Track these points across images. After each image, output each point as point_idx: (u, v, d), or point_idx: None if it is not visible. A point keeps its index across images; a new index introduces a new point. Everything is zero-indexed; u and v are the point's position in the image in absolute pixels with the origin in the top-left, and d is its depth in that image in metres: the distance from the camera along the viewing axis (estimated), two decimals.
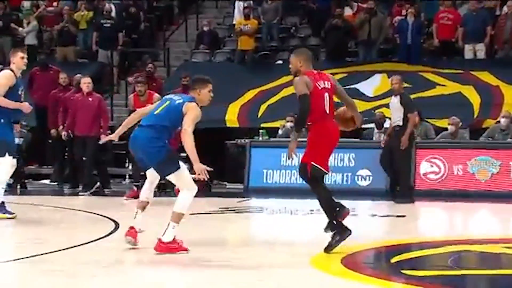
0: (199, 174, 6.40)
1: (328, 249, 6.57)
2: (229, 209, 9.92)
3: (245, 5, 16.61)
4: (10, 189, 12.26)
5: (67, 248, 6.62)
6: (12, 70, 8.82)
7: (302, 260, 6.30)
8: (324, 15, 16.29)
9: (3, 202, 8.73)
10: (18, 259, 6.25)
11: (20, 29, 16.87)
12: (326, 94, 6.77)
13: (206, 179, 6.51)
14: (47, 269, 5.87)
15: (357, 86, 14.73)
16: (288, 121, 13.17)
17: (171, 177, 6.61)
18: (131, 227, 6.74)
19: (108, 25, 16.34)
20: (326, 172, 6.77)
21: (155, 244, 6.47)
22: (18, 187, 12.65)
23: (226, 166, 13.49)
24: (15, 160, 8.82)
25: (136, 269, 6.20)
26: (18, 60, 8.84)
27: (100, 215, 9.11)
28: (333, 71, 15.24)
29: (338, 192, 11.48)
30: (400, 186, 11.27)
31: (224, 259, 6.34)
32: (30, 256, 6.23)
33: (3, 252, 6.66)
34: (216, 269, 6.00)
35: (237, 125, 14.48)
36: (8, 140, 8.69)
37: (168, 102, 6.77)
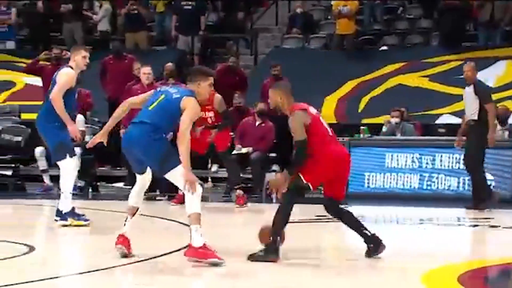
0: (185, 188, 6.43)
1: (251, 258, 6.74)
2: (326, 217, 9.92)
3: None
4: (81, 192, 12.69)
5: (144, 260, 6.79)
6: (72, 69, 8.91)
7: (411, 277, 6.26)
8: None
9: (73, 208, 9.02)
10: (105, 268, 6.42)
11: (94, 16, 17.33)
12: (321, 118, 7.14)
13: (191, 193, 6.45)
14: (138, 282, 6.05)
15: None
16: (393, 117, 13.07)
17: (171, 175, 6.62)
18: (121, 235, 6.83)
19: (189, 7, 16.56)
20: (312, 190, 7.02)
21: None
22: (90, 190, 13.01)
23: None
24: (77, 160, 9.10)
25: (226, 279, 6.31)
26: (80, 59, 8.93)
27: (180, 222, 9.28)
28: (448, 57, 15.10)
29: (454, 199, 11.44)
30: (474, 190, 10.97)
31: (320, 272, 6.37)
32: (103, 269, 6.43)
33: (73, 263, 6.89)
34: (314, 282, 6.04)
35: (334, 121, 14.46)
36: (66, 142, 8.92)
37: (162, 96, 6.77)
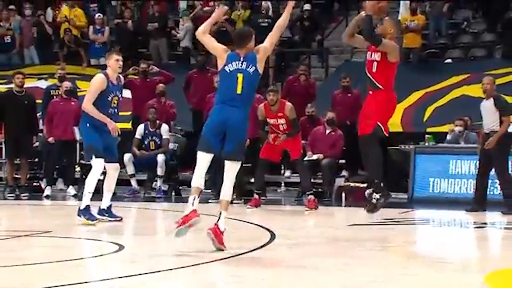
0: None
1: (374, 210, 7.12)
2: (393, 220, 9.84)
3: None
4: (166, 195, 12.87)
5: (226, 258, 6.84)
6: (106, 74, 9.20)
7: (475, 278, 6.16)
8: (501, 7, 15.75)
9: (88, 207, 9.11)
10: (173, 269, 6.51)
11: (175, 33, 17.62)
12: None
13: None
14: (207, 280, 6.11)
15: None
16: (457, 125, 12.88)
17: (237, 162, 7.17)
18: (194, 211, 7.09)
19: (265, 24, 16.67)
20: (387, 135, 7.79)
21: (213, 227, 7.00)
22: (173, 193, 13.18)
23: (388, 174, 13.37)
24: (115, 165, 9.27)
25: (294, 276, 6.32)
26: (113, 62, 9.22)
27: (256, 224, 9.33)
28: (510, 70, 14.76)
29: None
30: (506, 197, 10.72)
31: (387, 274, 6.31)
32: (188, 266, 6.50)
33: (160, 261, 6.99)
34: (375, 285, 6.00)
35: (400, 130, 14.31)
36: (95, 144, 9.06)
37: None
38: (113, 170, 9.32)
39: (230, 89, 7.17)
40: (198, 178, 7.27)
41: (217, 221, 7.10)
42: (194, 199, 7.17)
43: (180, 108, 14.01)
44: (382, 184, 7.44)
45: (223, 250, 7.00)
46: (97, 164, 9.10)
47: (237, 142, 7.23)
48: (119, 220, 9.38)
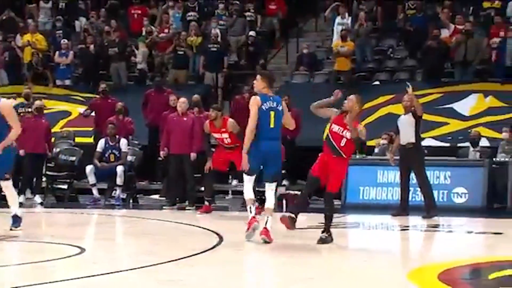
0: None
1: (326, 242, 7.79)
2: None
3: (343, 27, 16.63)
4: (124, 203, 12.74)
5: (175, 260, 6.80)
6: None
7: (398, 274, 6.24)
8: (420, 37, 16.10)
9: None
10: (134, 269, 6.45)
11: (132, 58, 17.61)
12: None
13: None
14: (163, 279, 6.08)
15: (453, 105, 14.48)
16: (383, 139, 13.06)
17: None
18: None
19: (215, 49, 16.73)
20: None
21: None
22: (131, 201, 13.06)
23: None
24: (7, 182, 8.36)
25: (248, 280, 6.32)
26: None
27: (206, 228, 9.30)
28: (429, 91, 15.06)
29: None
30: (426, 202, 10.87)
31: (322, 272, 6.35)
32: (145, 266, 6.45)
33: (119, 262, 6.91)
34: (313, 282, 6.03)
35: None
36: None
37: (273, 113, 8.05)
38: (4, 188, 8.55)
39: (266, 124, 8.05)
40: (250, 192, 8.19)
41: (265, 224, 7.91)
42: (250, 208, 8.08)
43: (137, 123, 13.93)
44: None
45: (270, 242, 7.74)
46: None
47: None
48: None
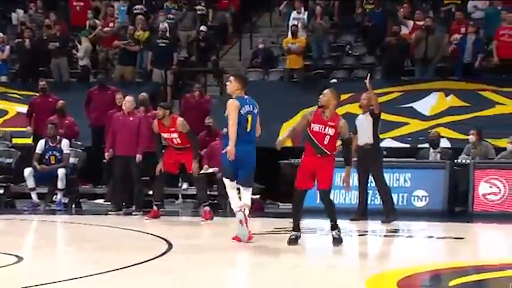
0: None
1: (340, 243, 8.16)
2: (283, 229, 9.95)
3: (294, 23, 16.69)
4: (66, 208, 12.58)
5: (121, 268, 6.74)
6: None
7: (357, 281, 6.29)
8: (379, 33, 16.30)
9: None
10: (75, 278, 6.38)
11: (75, 51, 17.37)
12: None
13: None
14: None
15: (413, 105, 14.68)
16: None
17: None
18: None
19: (163, 44, 16.63)
20: None
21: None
22: (73, 206, 12.90)
23: (279, 186, 13.55)
24: None
25: None
26: None
27: (154, 235, 9.24)
28: (389, 89, 15.25)
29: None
30: (385, 206, 11.02)
31: (279, 280, 6.37)
32: (88, 276, 6.37)
33: (59, 272, 6.82)
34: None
35: (291, 145, 14.51)
36: None
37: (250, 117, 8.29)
38: None
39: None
40: (237, 199, 8.53)
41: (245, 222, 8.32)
42: (244, 215, 8.36)
43: (80, 123, 13.78)
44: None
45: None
46: None
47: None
48: None
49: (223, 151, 8.40)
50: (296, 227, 8.33)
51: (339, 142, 8.27)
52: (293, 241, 8.28)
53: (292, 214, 8.49)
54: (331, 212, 8.28)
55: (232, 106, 8.35)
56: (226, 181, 8.54)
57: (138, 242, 9.00)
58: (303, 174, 8.24)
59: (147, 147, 11.76)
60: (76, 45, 17.61)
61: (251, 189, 8.59)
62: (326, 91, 8.32)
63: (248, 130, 8.40)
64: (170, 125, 11.06)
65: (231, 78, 8.60)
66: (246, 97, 8.50)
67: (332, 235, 8.23)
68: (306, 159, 8.23)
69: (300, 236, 8.33)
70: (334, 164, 8.25)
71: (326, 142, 8.10)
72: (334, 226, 8.25)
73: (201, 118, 13.84)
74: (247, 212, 8.37)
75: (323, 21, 16.72)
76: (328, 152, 8.13)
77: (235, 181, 8.48)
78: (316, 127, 8.13)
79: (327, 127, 8.08)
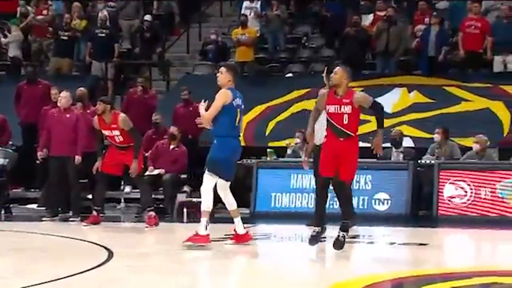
0: None
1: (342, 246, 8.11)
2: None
3: (246, 12, 16.68)
4: None
5: (56, 280, 6.63)
6: None
7: None
8: (338, 24, 16.39)
9: None
10: None
11: (3, 42, 17.09)
12: None
13: None
14: None
15: None
16: (298, 137, 13.17)
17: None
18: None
19: (103, 35, 16.46)
20: None
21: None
22: (2, 212, 12.70)
23: (231, 188, 13.50)
24: None
25: None
26: None
27: (93, 242, 9.14)
28: (348, 84, 15.32)
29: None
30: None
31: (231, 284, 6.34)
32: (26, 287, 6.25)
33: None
34: None
35: (243, 144, 14.49)
36: None
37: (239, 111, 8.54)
38: None
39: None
40: (233, 200, 8.91)
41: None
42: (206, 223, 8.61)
43: (10, 121, 13.54)
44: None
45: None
46: None
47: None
48: None
49: (221, 154, 8.60)
50: (318, 222, 8.24)
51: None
52: (314, 239, 8.23)
53: (315, 205, 8.42)
54: (346, 208, 8.26)
55: (223, 94, 8.53)
56: (225, 183, 8.71)
57: (75, 250, 8.89)
58: (325, 160, 8.22)
59: (86, 146, 11.63)
60: (6, 34, 17.32)
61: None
62: (337, 68, 8.33)
63: (236, 124, 8.64)
64: (111, 121, 10.95)
65: (222, 69, 8.74)
66: (236, 90, 8.68)
67: (338, 236, 8.12)
68: (328, 143, 8.23)
69: (322, 232, 8.26)
70: (358, 152, 8.22)
71: (345, 121, 8.12)
72: (344, 227, 8.16)
73: (146, 115, 13.76)
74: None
75: (280, 11, 16.75)
76: (350, 133, 8.13)
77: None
78: (331, 108, 8.17)
79: (342, 106, 8.11)
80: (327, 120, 8.25)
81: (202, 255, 8.26)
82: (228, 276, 7.22)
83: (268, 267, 7.93)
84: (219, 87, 8.74)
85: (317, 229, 8.28)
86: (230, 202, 8.84)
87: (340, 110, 8.12)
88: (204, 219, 8.50)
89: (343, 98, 8.14)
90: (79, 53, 16.97)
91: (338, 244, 8.15)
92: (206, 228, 8.48)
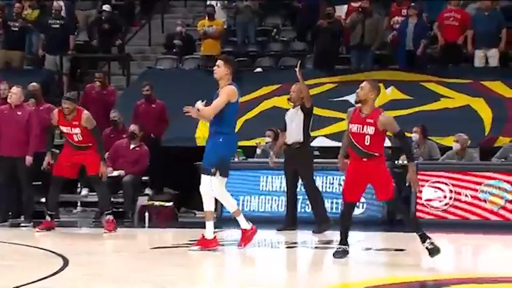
0: None
1: (438, 252, 8.24)
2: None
3: (211, 3, 16.69)
4: None
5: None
6: None
7: None
8: (311, 15, 16.43)
9: None
10: None
11: None
12: None
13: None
14: None
15: (348, 98, 14.76)
16: (268, 136, 13.18)
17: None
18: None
19: (57, 26, 16.36)
20: None
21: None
22: None
23: (195, 192, 13.48)
24: None
25: None
26: None
27: (47, 250, 9.07)
28: (322, 80, 15.42)
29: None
30: (315, 214, 11.16)
31: None
32: None
33: None
34: None
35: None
36: None
37: None
38: None
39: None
40: (233, 201, 9.36)
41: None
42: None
43: None
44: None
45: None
46: None
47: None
48: None
49: (228, 152, 8.87)
50: (344, 241, 8.31)
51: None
52: (340, 253, 8.30)
53: (340, 228, 8.41)
54: (410, 221, 8.50)
55: (230, 92, 8.63)
56: (221, 179, 8.83)
57: (27, 258, 8.82)
58: (350, 185, 8.15)
59: (39, 146, 11.54)
60: None
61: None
62: (363, 83, 8.16)
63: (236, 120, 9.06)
64: (74, 118, 10.87)
65: (219, 62, 8.78)
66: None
67: (426, 247, 8.19)
68: (352, 167, 8.11)
69: (348, 250, 8.32)
70: (386, 169, 8.14)
71: (367, 143, 7.96)
72: (423, 237, 8.21)
73: (104, 112, 13.72)
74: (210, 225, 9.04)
75: (250, 1, 16.76)
76: (374, 154, 8.02)
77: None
78: (354, 127, 8.04)
79: (365, 126, 7.97)
80: (350, 141, 8.11)
81: (160, 264, 8.23)
82: (195, 285, 7.20)
83: (236, 275, 7.94)
84: (217, 82, 8.83)
85: (343, 247, 8.34)
86: (212, 203, 8.94)
87: (362, 130, 7.99)
88: (210, 222, 8.91)
89: (367, 118, 7.99)
90: (31, 46, 16.85)
91: (434, 251, 8.19)
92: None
